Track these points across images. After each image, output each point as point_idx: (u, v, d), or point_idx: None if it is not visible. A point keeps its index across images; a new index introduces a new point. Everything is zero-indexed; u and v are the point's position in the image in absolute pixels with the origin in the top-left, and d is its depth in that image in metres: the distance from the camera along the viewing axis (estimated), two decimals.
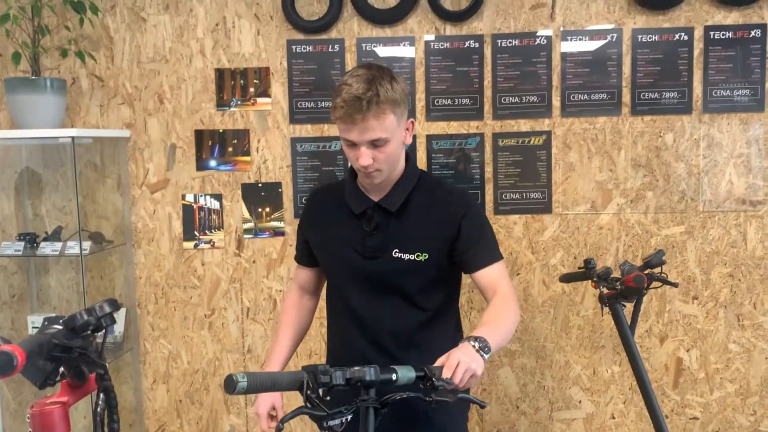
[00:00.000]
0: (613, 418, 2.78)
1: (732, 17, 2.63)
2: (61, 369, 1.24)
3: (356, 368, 1.40)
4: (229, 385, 1.28)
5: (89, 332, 1.23)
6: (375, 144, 1.74)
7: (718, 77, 2.65)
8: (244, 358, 2.85)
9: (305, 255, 2.05)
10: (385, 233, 1.86)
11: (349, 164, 1.89)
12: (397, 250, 1.85)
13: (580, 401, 2.79)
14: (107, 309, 1.24)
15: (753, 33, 2.63)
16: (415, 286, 1.88)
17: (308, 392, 1.34)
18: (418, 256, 1.85)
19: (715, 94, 2.65)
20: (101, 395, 1.28)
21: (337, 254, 1.91)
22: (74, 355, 1.20)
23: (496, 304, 1.79)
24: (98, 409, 1.27)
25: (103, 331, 1.25)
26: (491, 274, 1.86)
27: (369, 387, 1.42)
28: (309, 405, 1.35)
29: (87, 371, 1.27)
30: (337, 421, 1.38)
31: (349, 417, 1.40)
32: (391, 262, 1.85)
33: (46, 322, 1.22)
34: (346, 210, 1.90)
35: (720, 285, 2.70)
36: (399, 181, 1.88)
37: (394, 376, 1.44)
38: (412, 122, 1.86)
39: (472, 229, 1.88)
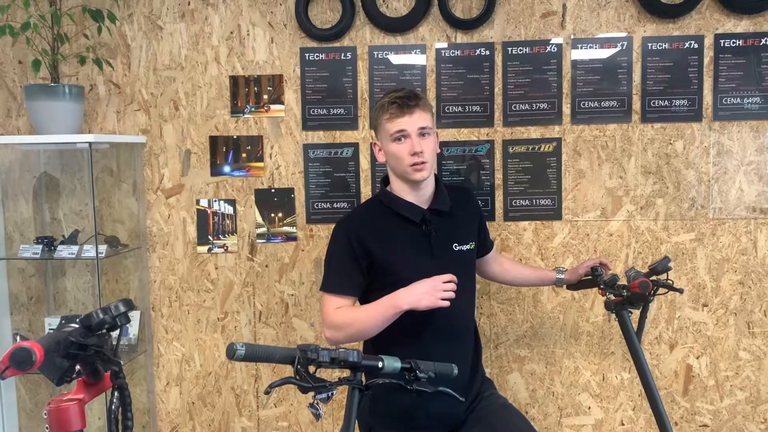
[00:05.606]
0: (623, 424, 2.78)
1: (742, 25, 2.64)
2: (78, 367, 1.28)
3: (341, 350, 1.54)
4: (230, 351, 1.42)
5: (104, 331, 1.26)
6: (422, 134, 2.09)
7: (728, 85, 2.66)
8: (255, 362, 2.87)
9: (354, 285, 2.11)
10: (444, 232, 2.16)
11: (375, 189, 2.24)
12: (456, 244, 2.18)
13: (589, 407, 2.80)
14: (122, 308, 1.28)
15: (764, 41, 2.64)
16: (471, 271, 2.27)
17: (298, 366, 1.48)
18: (471, 245, 2.23)
19: (725, 101, 2.66)
20: (116, 393, 1.31)
21: (406, 257, 2.11)
22: (90, 353, 1.24)
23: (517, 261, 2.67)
24: (113, 407, 1.31)
25: (118, 330, 1.29)
26: (494, 252, 2.49)
27: (354, 369, 1.57)
28: (297, 377, 1.49)
29: (102, 369, 1.31)
30: (323, 395, 1.50)
31: (334, 392, 1.52)
32: (455, 255, 2.17)
33: (63, 321, 1.26)
34: (401, 220, 2.14)
35: (730, 292, 2.70)
36: (437, 186, 2.21)
37: (380, 364, 1.60)
38: (438, 134, 2.19)
39: (483, 219, 2.40)
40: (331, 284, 2.12)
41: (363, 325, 2.03)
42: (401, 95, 2.10)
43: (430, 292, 1.95)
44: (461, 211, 2.25)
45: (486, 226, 2.44)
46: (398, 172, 2.14)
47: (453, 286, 1.97)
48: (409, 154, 2.07)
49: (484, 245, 2.41)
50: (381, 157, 2.19)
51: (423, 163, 2.08)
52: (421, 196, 2.17)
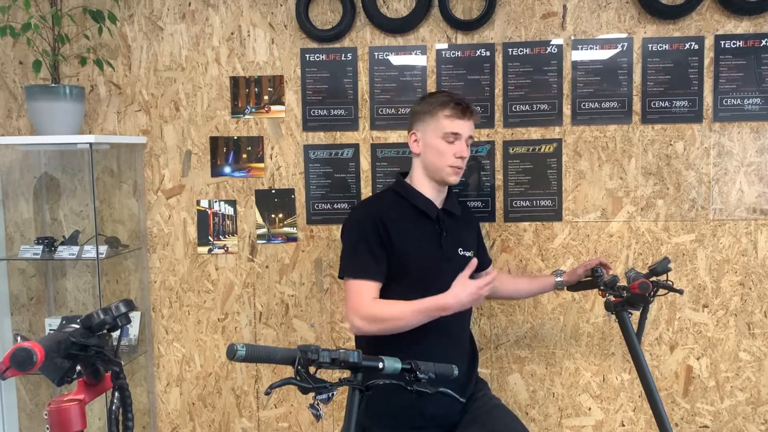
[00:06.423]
0: (623, 425, 2.78)
1: (743, 26, 2.64)
2: (78, 367, 1.28)
3: (342, 350, 1.54)
4: (230, 352, 1.41)
5: (105, 331, 1.26)
6: (467, 142, 2.19)
7: (728, 86, 2.66)
8: (256, 363, 2.87)
9: (381, 271, 2.11)
10: (452, 234, 2.22)
11: (393, 181, 2.30)
12: (461, 249, 2.23)
13: (589, 408, 2.79)
14: (123, 309, 1.28)
15: (764, 42, 2.64)
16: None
17: (298, 367, 1.48)
18: (471, 253, 2.26)
19: (725, 102, 2.66)
20: (116, 393, 1.32)
21: (419, 250, 2.15)
22: (91, 354, 1.24)
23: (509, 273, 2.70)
24: (113, 407, 1.31)
25: (119, 330, 1.29)
26: (491, 269, 2.49)
27: (355, 369, 1.57)
28: (298, 378, 1.48)
29: (103, 370, 1.31)
30: (324, 396, 1.50)
31: (334, 393, 1.51)
32: (460, 260, 2.18)
33: (63, 321, 1.26)
34: (416, 213, 2.19)
35: (730, 293, 2.70)
36: (449, 190, 2.27)
37: (380, 365, 1.59)
38: None
39: (481, 235, 2.47)
40: (359, 268, 2.09)
41: (403, 324, 2.02)
42: (463, 99, 2.19)
43: (475, 296, 2.01)
44: (465, 219, 2.34)
45: (483, 243, 2.52)
46: (431, 168, 2.18)
47: (489, 288, 2.05)
48: (454, 156, 2.14)
49: (482, 261, 2.42)
50: (416, 148, 2.21)
51: (460, 168, 2.17)
52: (438, 196, 2.23)
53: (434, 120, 2.16)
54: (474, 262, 2.04)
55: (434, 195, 2.22)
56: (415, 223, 2.17)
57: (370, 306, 2.05)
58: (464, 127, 2.16)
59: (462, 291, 2.00)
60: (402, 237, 2.12)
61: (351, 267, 2.12)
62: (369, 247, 2.10)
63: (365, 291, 2.07)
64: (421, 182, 2.21)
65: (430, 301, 2.02)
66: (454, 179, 2.19)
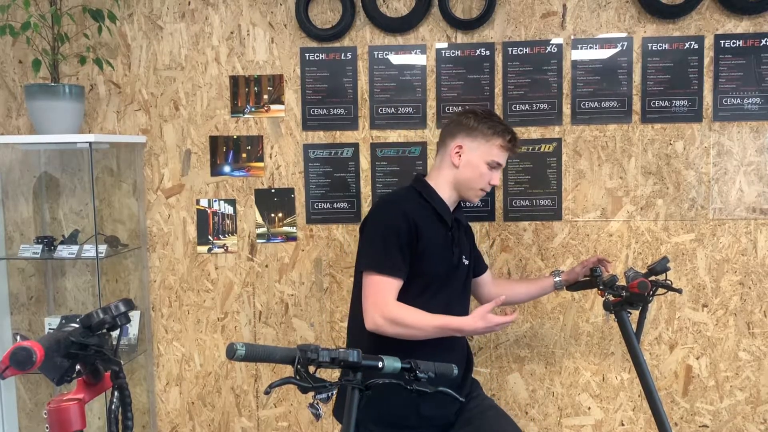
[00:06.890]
0: (623, 425, 2.78)
1: (743, 26, 2.64)
2: (78, 366, 1.28)
3: (342, 350, 1.53)
4: (230, 352, 1.40)
5: (105, 331, 1.26)
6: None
7: (728, 85, 2.66)
8: (255, 362, 2.87)
9: (406, 270, 2.10)
10: (458, 242, 2.25)
11: (410, 183, 2.30)
12: (464, 256, 2.26)
13: (589, 408, 2.80)
14: (122, 308, 1.28)
15: (764, 41, 2.64)
16: (469, 284, 2.35)
17: (298, 366, 1.47)
18: (470, 261, 2.30)
19: (725, 102, 2.66)
20: (116, 393, 1.32)
21: (437, 254, 2.16)
22: (90, 353, 1.24)
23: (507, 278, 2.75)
24: (113, 407, 1.31)
25: (118, 330, 1.29)
26: (489, 275, 2.53)
27: (354, 369, 1.56)
28: (297, 377, 1.48)
29: (102, 369, 1.31)
30: (323, 395, 1.49)
31: (334, 392, 1.51)
32: (464, 267, 2.26)
33: (63, 321, 1.26)
34: (436, 217, 2.20)
35: (730, 293, 2.70)
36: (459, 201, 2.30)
37: (380, 364, 1.59)
38: None
39: (475, 243, 2.47)
40: (388, 265, 2.06)
41: (421, 334, 2.03)
42: (516, 137, 2.25)
43: (490, 330, 2.05)
44: (464, 227, 2.36)
45: (478, 250, 2.52)
46: (463, 184, 2.21)
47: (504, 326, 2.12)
48: (489, 182, 2.21)
49: (478, 266, 2.46)
50: (457, 160, 2.20)
51: (485, 193, 2.25)
52: (453, 204, 2.27)
53: (487, 144, 2.18)
54: (502, 298, 2.04)
55: (452, 203, 2.25)
56: (434, 227, 2.18)
57: (394, 308, 2.03)
58: (505, 160, 2.25)
59: (480, 322, 2.00)
60: (426, 240, 2.12)
61: (380, 262, 2.07)
62: (401, 245, 2.07)
63: (390, 289, 2.05)
64: (443, 189, 2.22)
65: (450, 320, 2.04)
66: (477, 201, 2.28)
